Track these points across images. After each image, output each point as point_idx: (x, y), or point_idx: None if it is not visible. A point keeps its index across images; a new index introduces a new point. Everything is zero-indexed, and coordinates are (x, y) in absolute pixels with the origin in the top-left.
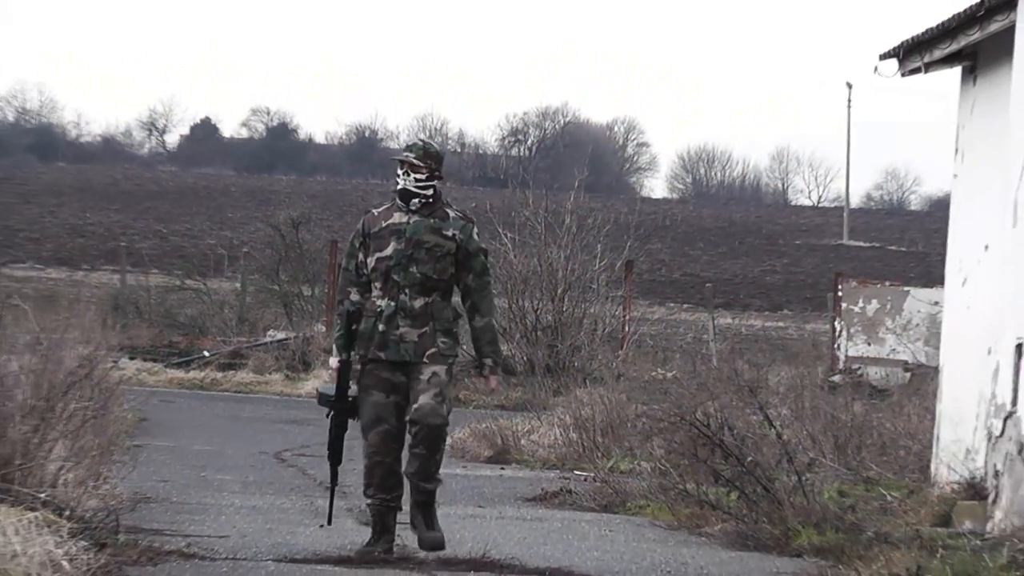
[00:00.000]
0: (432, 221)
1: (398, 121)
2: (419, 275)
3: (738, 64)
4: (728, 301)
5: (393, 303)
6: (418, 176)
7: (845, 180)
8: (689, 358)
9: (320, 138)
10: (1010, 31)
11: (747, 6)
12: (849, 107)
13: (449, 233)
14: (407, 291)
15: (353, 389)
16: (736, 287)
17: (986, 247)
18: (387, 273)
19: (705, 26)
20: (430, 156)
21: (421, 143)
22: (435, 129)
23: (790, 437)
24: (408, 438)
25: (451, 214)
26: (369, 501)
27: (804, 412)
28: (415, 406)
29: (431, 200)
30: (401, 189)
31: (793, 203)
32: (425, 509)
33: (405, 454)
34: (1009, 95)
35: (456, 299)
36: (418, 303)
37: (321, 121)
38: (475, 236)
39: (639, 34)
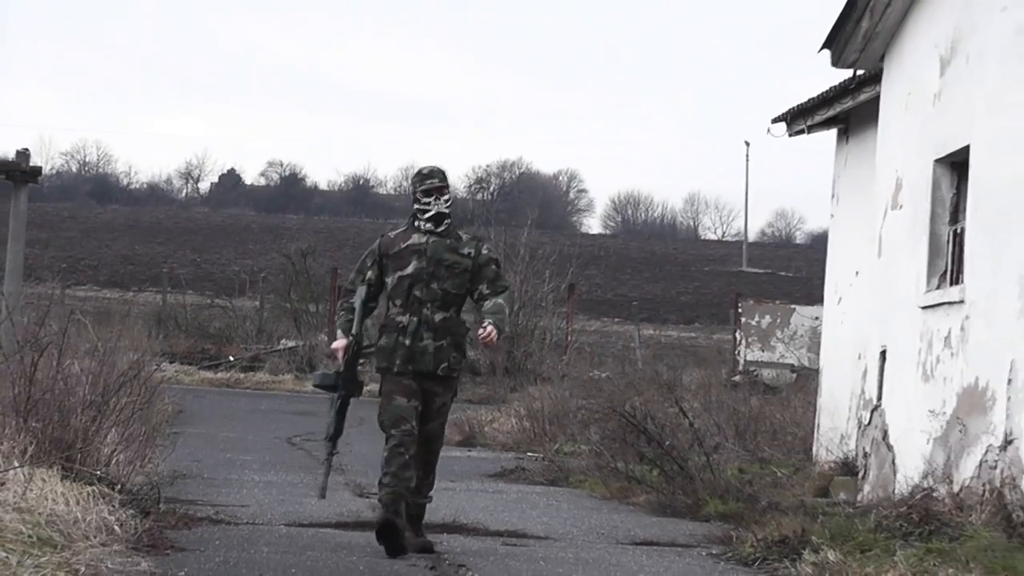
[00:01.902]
0: (449, 241)
1: (386, 171)
2: (440, 291)
3: (659, 125)
4: (650, 316)
5: (416, 318)
6: (445, 198)
7: (744, 219)
8: (619, 362)
9: (324, 185)
10: (875, 100)
11: (664, 77)
12: (747, 160)
13: (465, 251)
14: (429, 306)
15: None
16: (657, 305)
17: (857, 273)
18: (409, 290)
19: (636, 90)
20: (446, 178)
21: (438, 168)
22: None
23: (700, 425)
24: None
25: (463, 236)
26: (385, 484)
27: (711, 405)
28: (424, 428)
29: (451, 220)
30: (436, 214)
31: (702, 238)
32: (415, 521)
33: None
34: (874, 152)
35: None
36: (438, 317)
37: (324, 171)
38: (485, 251)
39: (583, 98)
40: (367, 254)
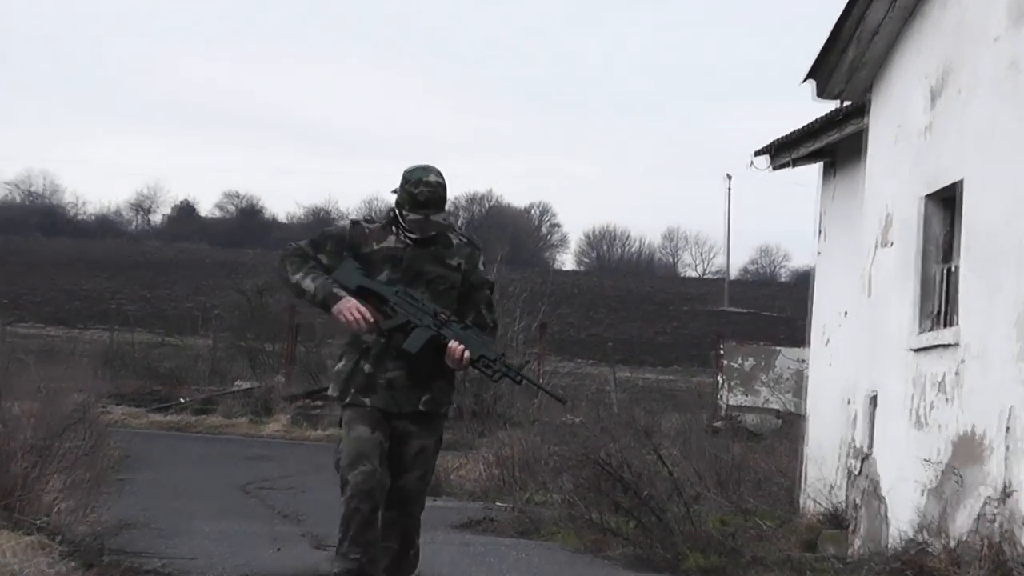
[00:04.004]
0: (434, 248)
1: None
2: None
3: (636, 156)
4: (626, 358)
5: (383, 339)
6: (442, 216)
7: (726, 256)
8: (594, 406)
9: (282, 218)
10: (862, 133)
11: (641, 107)
12: (729, 195)
13: (454, 263)
14: None
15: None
16: (633, 346)
17: (845, 313)
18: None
19: (611, 121)
20: (447, 192)
21: (442, 180)
22: (379, 211)
23: (679, 474)
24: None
25: (455, 240)
26: (342, 555)
27: (691, 452)
28: (397, 484)
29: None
30: (422, 227)
31: (682, 275)
32: None
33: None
34: (862, 186)
35: None
36: None
37: (284, 203)
38: (481, 266)
39: (556, 129)
40: (330, 234)
